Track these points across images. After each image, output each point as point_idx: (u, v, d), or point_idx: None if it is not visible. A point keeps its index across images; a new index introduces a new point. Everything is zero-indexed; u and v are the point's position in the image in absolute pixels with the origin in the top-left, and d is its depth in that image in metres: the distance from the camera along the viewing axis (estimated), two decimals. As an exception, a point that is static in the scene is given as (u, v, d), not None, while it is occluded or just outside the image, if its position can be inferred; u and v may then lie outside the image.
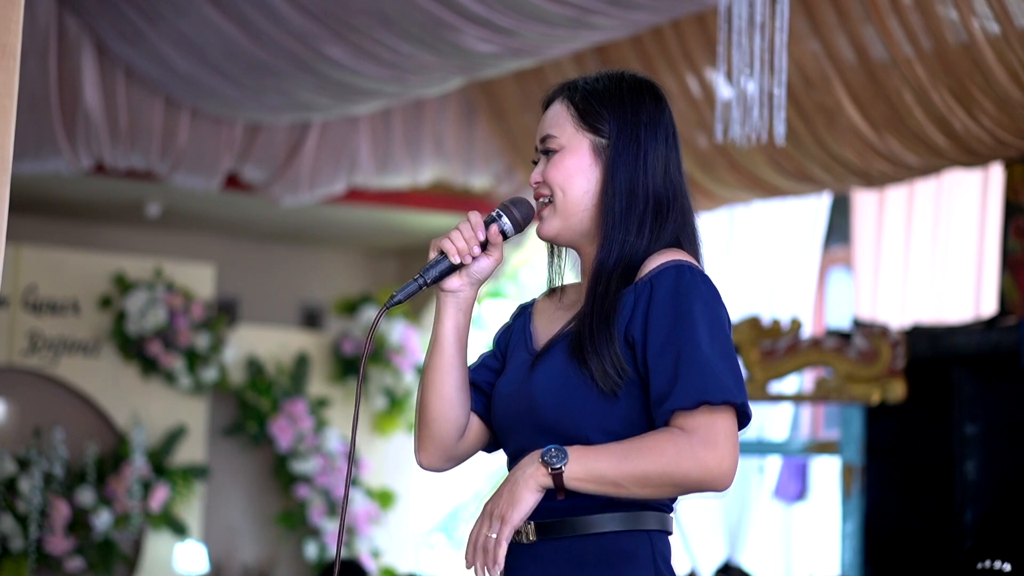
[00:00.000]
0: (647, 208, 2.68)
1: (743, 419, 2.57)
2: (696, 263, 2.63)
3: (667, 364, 2.53)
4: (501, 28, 5.79)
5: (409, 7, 5.76)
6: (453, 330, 2.74)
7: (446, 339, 2.74)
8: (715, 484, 2.53)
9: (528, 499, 2.54)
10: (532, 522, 2.60)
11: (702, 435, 2.51)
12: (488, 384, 2.79)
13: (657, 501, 2.61)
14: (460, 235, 2.69)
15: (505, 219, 2.72)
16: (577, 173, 2.70)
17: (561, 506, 2.58)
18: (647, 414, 2.57)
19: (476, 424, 2.79)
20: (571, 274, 2.85)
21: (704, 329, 2.54)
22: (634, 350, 2.57)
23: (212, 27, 6.32)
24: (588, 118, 2.71)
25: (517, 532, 2.60)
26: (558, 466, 2.51)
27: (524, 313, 2.85)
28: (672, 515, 2.67)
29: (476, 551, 2.57)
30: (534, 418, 2.63)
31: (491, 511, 2.57)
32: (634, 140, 2.69)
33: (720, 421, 2.53)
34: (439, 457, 2.79)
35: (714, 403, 2.51)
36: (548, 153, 2.73)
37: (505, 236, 2.73)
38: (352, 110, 7.42)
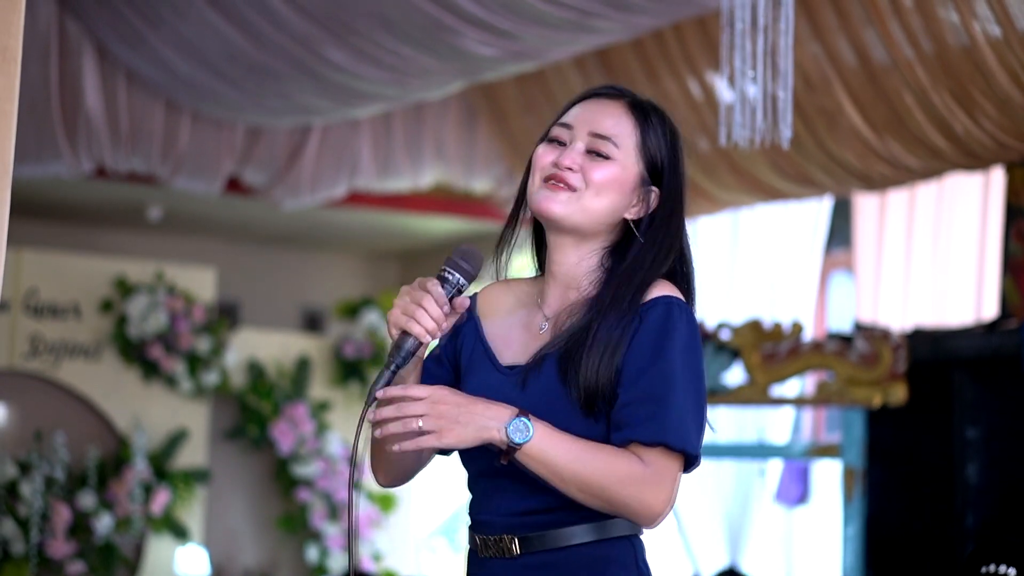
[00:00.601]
0: (668, 260, 2.73)
1: (690, 465, 2.62)
2: (685, 301, 2.67)
3: (637, 395, 2.57)
4: (502, 31, 5.79)
5: (410, 10, 5.76)
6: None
7: None
8: (644, 521, 2.59)
9: (466, 443, 2.55)
10: (516, 537, 2.63)
11: (653, 472, 2.55)
12: None
13: None
14: (426, 314, 2.62)
15: (461, 279, 2.67)
16: (618, 191, 2.72)
17: (540, 521, 2.61)
18: None
19: None
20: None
21: (680, 372, 2.59)
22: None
23: (213, 30, 6.32)
24: (651, 150, 2.74)
25: (501, 547, 2.64)
26: (518, 443, 2.53)
27: (472, 313, 2.82)
28: None
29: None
30: None
31: (433, 405, 2.55)
32: (678, 200, 2.77)
33: (671, 465, 2.57)
34: (397, 481, 2.83)
35: (671, 448, 2.56)
36: (596, 153, 2.71)
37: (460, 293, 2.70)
38: (353, 113, 7.41)
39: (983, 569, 3.83)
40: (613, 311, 2.64)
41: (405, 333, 2.62)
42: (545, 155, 2.74)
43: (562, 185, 2.70)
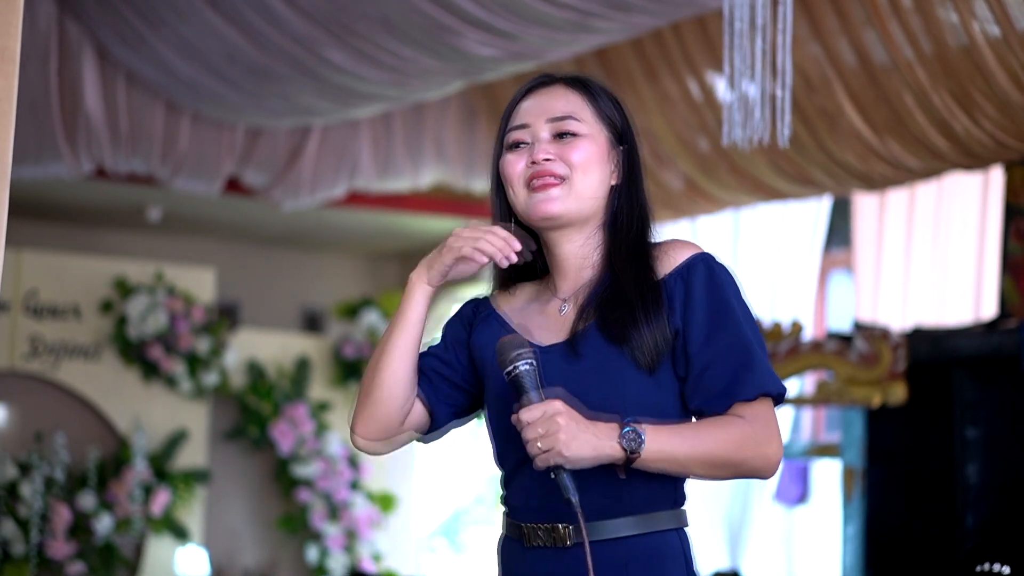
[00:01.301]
0: (646, 209, 2.77)
1: (779, 403, 2.67)
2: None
3: (719, 355, 2.61)
4: (502, 32, 5.79)
5: (410, 11, 5.76)
6: (420, 318, 2.74)
7: (413, 323, 2.73)
8: (768, 472, 2.63)
9: (585, 459, 2.52)
10: (570, 526, 2.61)
11: (761, 426, 2.60)
12: (435, 372, 2.79)
13: (678, 499, 2.69)
14: (496, 238, 2.68)
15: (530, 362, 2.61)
16: (599, 162, 2.73)
17: (593, 511, 2.58)
18: (676, 391, 2.65)
19: (418, 408, 2.78)
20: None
21: (744, 321, 2.64)
22: (673, 339, 2.63)
23: (213, 31, 6.32)
24: (606, 114, 2.76)
25: (554, 537, 2.62)
26: (637, 451, 2.53)
27: (487, 308, 2.83)
28: (686, 510, 2.74)
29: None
30: (571, 405, 2.58)
31: (548, 421, 2.51)
32: (637, 151, 2.80)
33: (772, 413, 2.63)
34: (377, 436, 2.77)
35: (771, 394, 2.61)
36: (564, 135, 2.72)
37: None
38: (353, 114, 7.41)
39: (979, 568, 3.83)
40: (631, 266, 2.67)
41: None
42: (516, 162, 2.74)
43: (551, 179, 2.70)
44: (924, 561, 6.54)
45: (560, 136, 2.72)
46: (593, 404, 2.58)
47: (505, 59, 6.17)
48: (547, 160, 2.70)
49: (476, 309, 2.85)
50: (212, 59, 6.62)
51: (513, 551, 2.69)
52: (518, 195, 2.73)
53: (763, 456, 2.59)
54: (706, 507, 8.06)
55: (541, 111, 2.74)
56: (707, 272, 2.65)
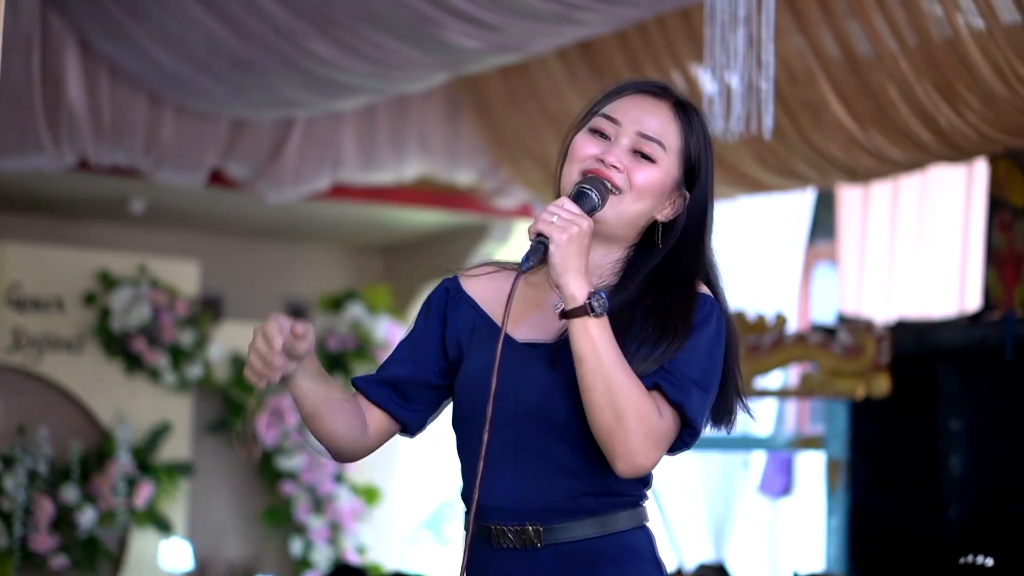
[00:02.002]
0: (703, 264, 2.79)
1: (683, 447, 2.64)
2: (719, 300, 2.72)
3: (672, 361, 2.58)
4: (486, 24, 5.79)
5: (394, 3, 5.75)
6: (309, 396, 2.77)
7: (308, 404, 2.76)
8: (622, 463, 2.55)
9: (565, 263, 2.53)
10: (541, 527, 2.59)
11: (662, 430, 2.55)
12: (404, 381, 2.78)
13: (638, 499, 2.66)
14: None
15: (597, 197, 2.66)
16: (658, 195, 2.70)
17: (561, 510, 2.59)
18: None
19: (383, 420, 2.78)
20: None
21: (707, 357, 2.61)
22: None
23: (196, 23, 6.30)
24: (690, 158, 2.72)
25: (523, 539, 2.60)
26: (592, 310, 2.52)
27: (458, 292, 2.81)
28: (646, 506, 2.72)
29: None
30: (543, 412, 2.60)
31: (574, 221, 2.54)
32: (711, 204, 2.78)
33: (673, 432, 2.58)
34: (347, 455, 2.79)
35: (684, 414, 2.57)
36: (642, 154, 2.68)
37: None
38: (337, 106, 7.40)
39: (962, 560, 3.84)
40: (656, 303, 2.64)
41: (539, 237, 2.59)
42: (587, 146, 2.69)
43: (608, 185, 2.65)
44: (908, 552, 6.55)
45: (638, 153, 2.68)
46: (562, 412, 2.59)
47: (489, 51, 6.17)
48: (615, 167, 2.66)
49: (447, 295, 2.81)
50: (195, 51, 6.60)
51: (481, 552, 2.65)
52: (570, 175, 2.69)
53: (637, 449, 2.52)
54: (690, 500, 8.07)
55: (638, 118, 2.69)
56: (700, 304, 2.65)
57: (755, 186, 7.13)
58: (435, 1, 5.66)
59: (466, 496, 2.68)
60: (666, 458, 2.63)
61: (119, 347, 8.55)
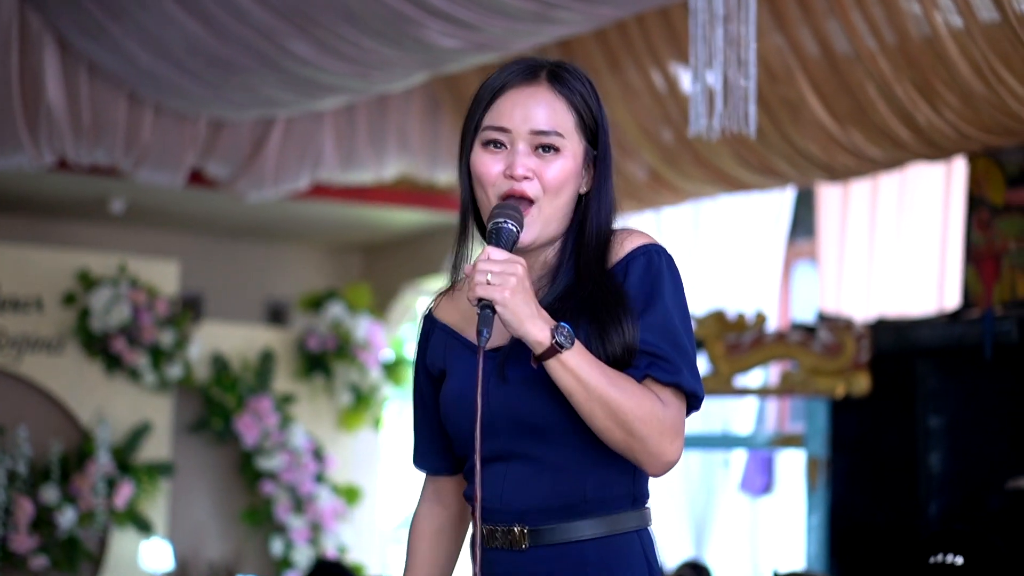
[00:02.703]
0: (612, 210, 2.71)
1: (692, 409, 2.64)
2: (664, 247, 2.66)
3: (645, 330, 2.56)
4: (464, 23, 5.78)
5: (372, 2, 5.74)
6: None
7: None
8: (654, 466, 2.57)
9: (518, 318, 2.49)
10: (526, 528, 2.60)
11: (671, 417, 2.55)
12: (439, 442, 2.81)
13: (639, 498, 2.66)
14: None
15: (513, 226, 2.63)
16: (573, 179, 2.66)
17: (551, 513, 2.59)
18: None
19: (460, 481, 2.82)
20: None
21: (675, 312, 2.59)
22: None
23: (175, 23, 6.29)
24: (587, 125, 2.67)
25: (509, 539, 2.61)
26: (562, 346, 2.49)
27: (431, 323, 2.81)
28: (649, 508, 2.71)
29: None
30: (514, 415, 2.60)
31: (509, 268, 2.50)
32: (610, 154, 2.71)
33: (682, 412, 2.58)
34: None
35: (683, 389, 2.58)
36: (545, 149, 2.63)
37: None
38: (316, 106, 7.39)
39: (932, 559, 3.84)
40: (594, 269, 2.62)
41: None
42: (489, 164, 2.64)
43: (523, 202, 2.61)
44: (888, 550, 6.57)
45: (539, 147, 2.62)
46: (524, 413, 2.59)
47: (468, 50, 6.16)
48: (525, 178, 2.61)
49: (424, 329, 2.83)
50: (173, 50, 6.59)
51: (481, 550, 2.66)
52: (486, 201, 2.64)
53: (660, 447, 2.54)
54: (671, 498, 8.08)
55: (524, 118, 2.62)
56: (646, 262, 2.60)
57: (735, 184, 7.14)
58: (413, 0, 5.66)
59: (468, 496, 2.72)
60: None
61: (99, 347, 8.53)
